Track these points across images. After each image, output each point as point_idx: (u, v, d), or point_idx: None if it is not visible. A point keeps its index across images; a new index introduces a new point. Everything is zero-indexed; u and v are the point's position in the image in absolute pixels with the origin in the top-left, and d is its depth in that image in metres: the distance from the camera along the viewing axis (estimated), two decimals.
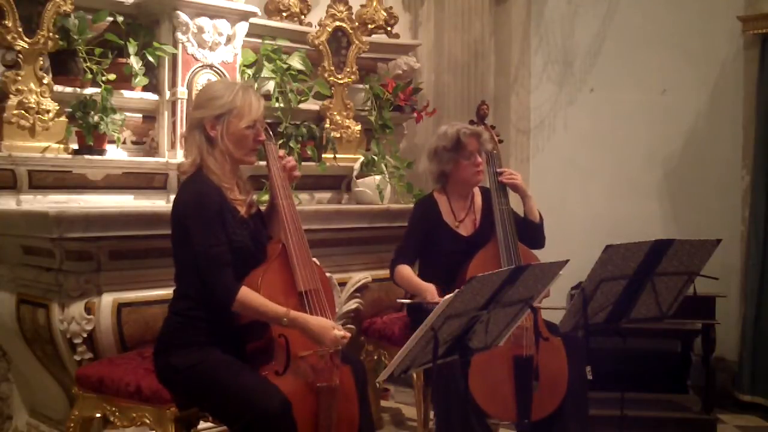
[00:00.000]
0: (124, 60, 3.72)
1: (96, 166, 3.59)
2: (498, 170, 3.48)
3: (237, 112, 2.74)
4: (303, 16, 4.67)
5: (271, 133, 2.96)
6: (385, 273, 4.04)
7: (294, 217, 2.84)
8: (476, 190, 3.59)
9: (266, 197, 3.67)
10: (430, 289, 3.27)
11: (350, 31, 4.47)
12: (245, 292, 2.63)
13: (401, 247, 3.53)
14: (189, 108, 3.82)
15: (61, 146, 3.50)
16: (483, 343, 2.52)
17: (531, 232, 3.50)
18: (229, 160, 2.78)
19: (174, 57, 3.82)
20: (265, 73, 4.17)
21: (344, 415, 2.73)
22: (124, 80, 3.72)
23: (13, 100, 3.39)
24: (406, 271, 3.42)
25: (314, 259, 2.91)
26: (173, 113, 3.84)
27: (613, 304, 2.85)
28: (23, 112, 3.40)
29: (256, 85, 4.19)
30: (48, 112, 3.46)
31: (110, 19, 3.74)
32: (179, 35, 3.80)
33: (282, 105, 4.16)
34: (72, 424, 2.94)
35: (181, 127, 3.81)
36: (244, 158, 2.82)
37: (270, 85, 4.20)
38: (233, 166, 2.81)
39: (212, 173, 2.73)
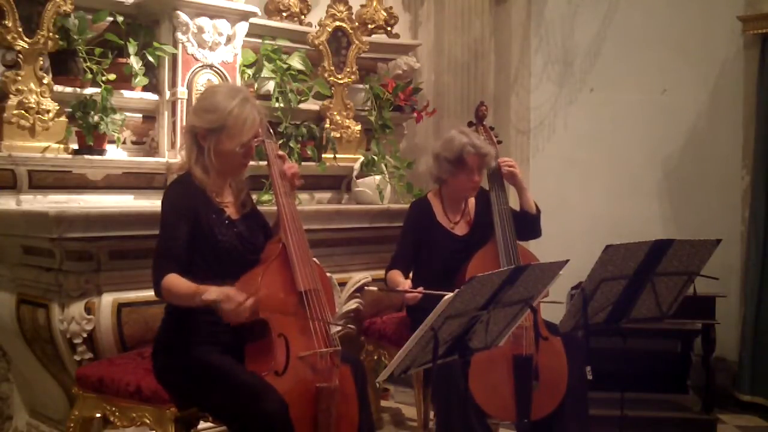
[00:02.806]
0: (124, 60, 3.72)
1: (96, 166, 3.59)
2: (498, 160, 3.49)
3: (228, 131, 2.69)
4: (303, 16, 4.68)
5: (271, 131, 2.95)
6: None
7: (294, 216, 2.83)
8: None
9: (266, 197, 3.68)
10: (402, 282, 3.29)
11: (350, 31, 4.47)
12: (169, 278, 2.54)
13: (395, 254, 3.54)
14: (189, 108, 3.83)
15: (61, 146, 3.50)
16: (483, 343, 2.52)
17: (528, 224, 3.51)
18: (214, 171, 2.75)
19: (174, 57, 3.82)
20: (265, 73, 4.17)
21: (344, 415, 2.73)
22: (124, 80, 3.72)
23: (13, 100, 3.39)
24: (392, 275, 3.43)
25: (314, 258, 2.91)
26: (173, 113, 3.84)
27: (613, 304, 2.85)
28: (23, 112, 3.40)
29: (256, 86, 4.20)
30: (48, 112, 3.46)
31: (110, 19, 3.74)
32: (179, 35, 3.79)
33: (282, 105, 4.16)
34: (72, 424, 2.94)
35: (181, 127, 3.81)
36: (230, 173, 2.80)
37: (270, 85, 4.21)
38: (220, 175, 2.78)
39: (196, 179, 2.73)
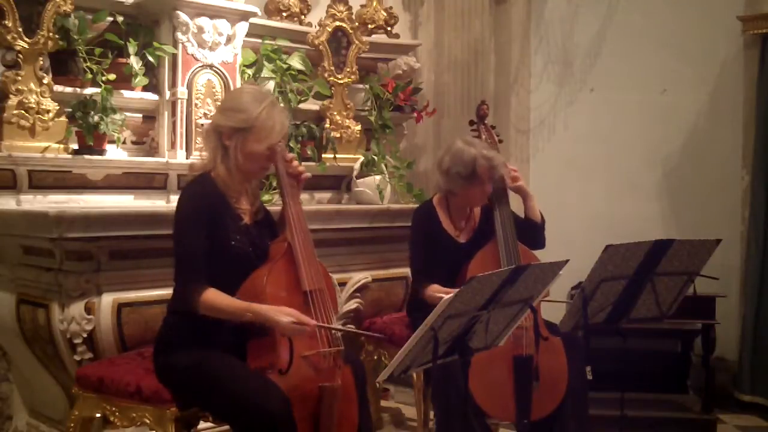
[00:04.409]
0: (124, 60, 3.72)
1: (96, 166, 3.59)
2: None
3: (256, 132, 2.69)
4: (303, 16, 4.67)
5: None
6: (385, 273, 4.05)
7: (300, 215, 2.82)
8: None
9: (266, 197, 3.68)
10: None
11: (350, 31, 4.47)
12: (210, 295, 2.59)
13: (417, 268, 3.46)
14: (189, 108, 3.83)
15: (61, 146, 3.50)
16: (483, 343, 2.52)
17: (532, 233, 3.49)
18: (238, 172, 2.76)
19: (174, 57, 3.82)
20: (265, 73, 4.17)
21: (344, 415, 2.73)
22: (124, 80, 3.72)
23: (13, 100, 3.39)
24: (436, 289, 3.32)
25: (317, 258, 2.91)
26: (173, 113, 3.84)
27: (613, 304, 2.85)
28: (23, 112, 3.40)
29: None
30: (48, 112, 3.46)
31: (110, 19, 3.74)
32: (179, 35, 3.79)
33: (282, 105, 4.16)
34: (72, 424, 2.94)
35: (180, 127, 3.81)
36: (254, 174, 2.81)
37: (270, 85, 4.20)
38: (243, 176, 2.79)
39: (220, 180, 2.73)
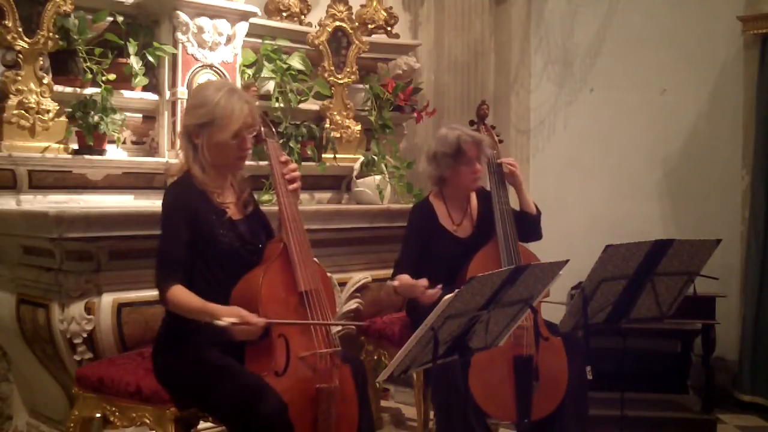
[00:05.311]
0: (124, 60, 3.73)
1: (96, 166, 3.59)
2: (499, 161, 3.49)
3: (218, 122, 2.68)
4: (303, 16, 4.68)
5: (273, 130, 2.94)
6: (385, 273, 4.04)
7: (295, 216, 2.82)
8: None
9: (266, 197, 3.68)
10: (417, 282, 3.22)
11: (350, 31, 4.47)
12: (176, 292, 2.57)
13: (399, 260, 3.49)
14: None
15: (61, 146, 3.50)
16: (483, 343, 2.52)
17: (528, 226, 3.50)
18: (212, 168, 2.75)
19: (174, 57, 3.82)
20: (265, 73, 4.17)
21: (344, 416, 2.73)
22: (124, 80, 3.72)
23: (13, 100, 3.39)
24: (403, 278, 3.35)
25: (314, 258, 2.90)
26: (173, 113, 3.84)
27: (613, 304, 2.85)
28: (23, 112, 3.40)
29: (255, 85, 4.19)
30: (48, 112, 3.46)
31: (110, 19, 3.75)
32: (179, 35, 3.80)
33: (282, 105, 4.17)
34: (72, 424, 2.94)
35: (180, 128, 3.81)
36: (227, 167, 2.79)
37: (270, 85, 4.21)
38: (219, 172, 2.78)
39: (196, 179, 2.72)
